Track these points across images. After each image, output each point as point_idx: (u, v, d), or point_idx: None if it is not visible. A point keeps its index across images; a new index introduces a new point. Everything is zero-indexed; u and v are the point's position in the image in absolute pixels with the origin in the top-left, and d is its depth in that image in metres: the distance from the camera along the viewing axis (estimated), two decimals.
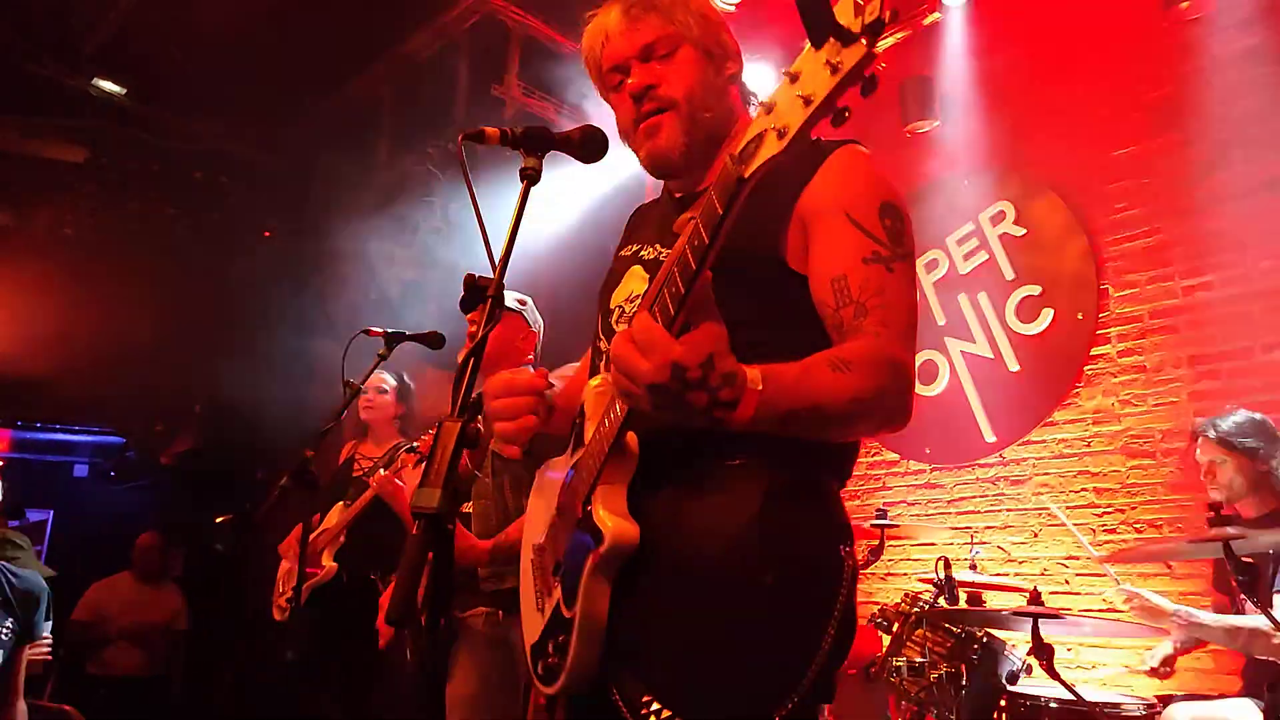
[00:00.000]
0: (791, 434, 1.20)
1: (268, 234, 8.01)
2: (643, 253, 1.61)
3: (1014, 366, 4.62)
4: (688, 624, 1.29)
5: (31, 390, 7.56)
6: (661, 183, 1.70)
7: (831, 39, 0.93)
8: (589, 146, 1.53)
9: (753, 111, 1.58)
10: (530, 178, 1.48)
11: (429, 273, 6.16)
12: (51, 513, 7.95)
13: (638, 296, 1.54)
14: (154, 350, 7.18)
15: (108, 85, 7.23)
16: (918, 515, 4.90)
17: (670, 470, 1.36)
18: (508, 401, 1.50)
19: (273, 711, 4.70)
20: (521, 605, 1.60)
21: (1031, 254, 4.65)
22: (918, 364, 4.93)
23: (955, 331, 4.87)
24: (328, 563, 3.87)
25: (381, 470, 3.58)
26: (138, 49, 6.60)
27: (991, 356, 4.71)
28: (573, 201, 5.66)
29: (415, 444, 3.51)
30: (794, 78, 0.98)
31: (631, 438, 1.34)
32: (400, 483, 3.58)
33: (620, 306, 1.58)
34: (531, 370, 1.58)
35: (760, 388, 1.11)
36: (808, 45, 0.97)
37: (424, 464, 3.52)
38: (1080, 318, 4.42)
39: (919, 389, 4.91)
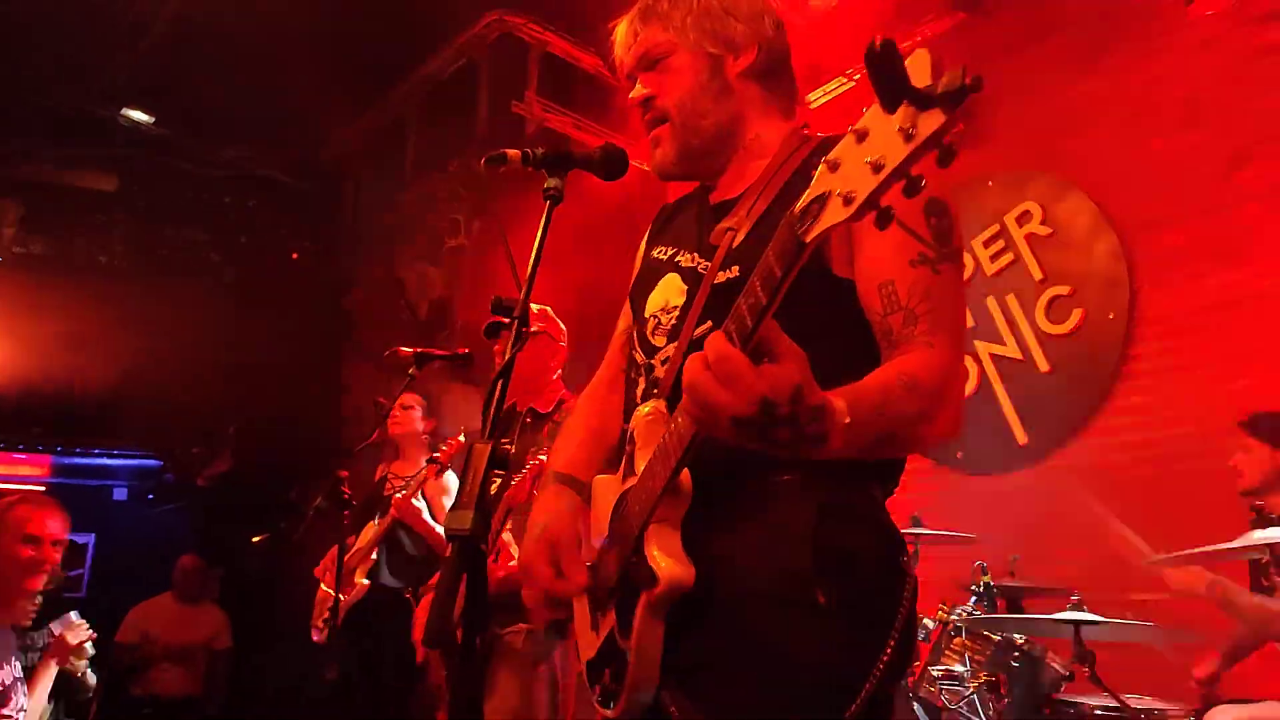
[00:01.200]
0: (867, 457, 1.20)
1: (296, 256, 8.12)
2: (679, 259, 1.58)
3: (1045, 368, 4.56)
4: (745, 645, 1.30)
5: (71, 416, 7.71)
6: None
7: (906, 103, 0.86)
8: (610, 165, 1.54)
9: (782, 105, 1.58)
10: (553, 198, 1.49)
11: (457, 290, 6.21)
12: (93, 536, 8.07)
13: (675, 307, 1.52)
14: (189, 373, 7.29)
15: (137, 115, 7.38)
16: (951, 520, 4.84)
17: (721, 490, 1.35)
18: (548, 604, 1.52)
19: None
20: (575, 615, 1.61)
21: (1060, 254, 4.59)
22: None
23: (984, 334, 4.81)
24: (360, 581, 3.91)
25: (401, 493, 3.63)
26: (166, 78, 6.73)
27: (1021, 358, 4.65)
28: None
29: (436, 455, 3.55)
30: (861, 136, 0.93)
31: (686, 476, 1.33)
32: (418, 503, 3.62)
33: (656, 317, 1.56)
34: (571, 539, 1.56)
35: (847, 421, 1.08)
36: (877, 104, 0.90)
37: (443, 471, 3.57)
38: (1112, 317, 4.35)
39: None
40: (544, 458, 2.79)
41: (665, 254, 1.63)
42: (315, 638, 3.86)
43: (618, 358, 1.77)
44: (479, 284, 6.02)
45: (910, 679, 3.34)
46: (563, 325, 3.17)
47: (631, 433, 1.48)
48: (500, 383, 1.33)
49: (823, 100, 5.68)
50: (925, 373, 1.22)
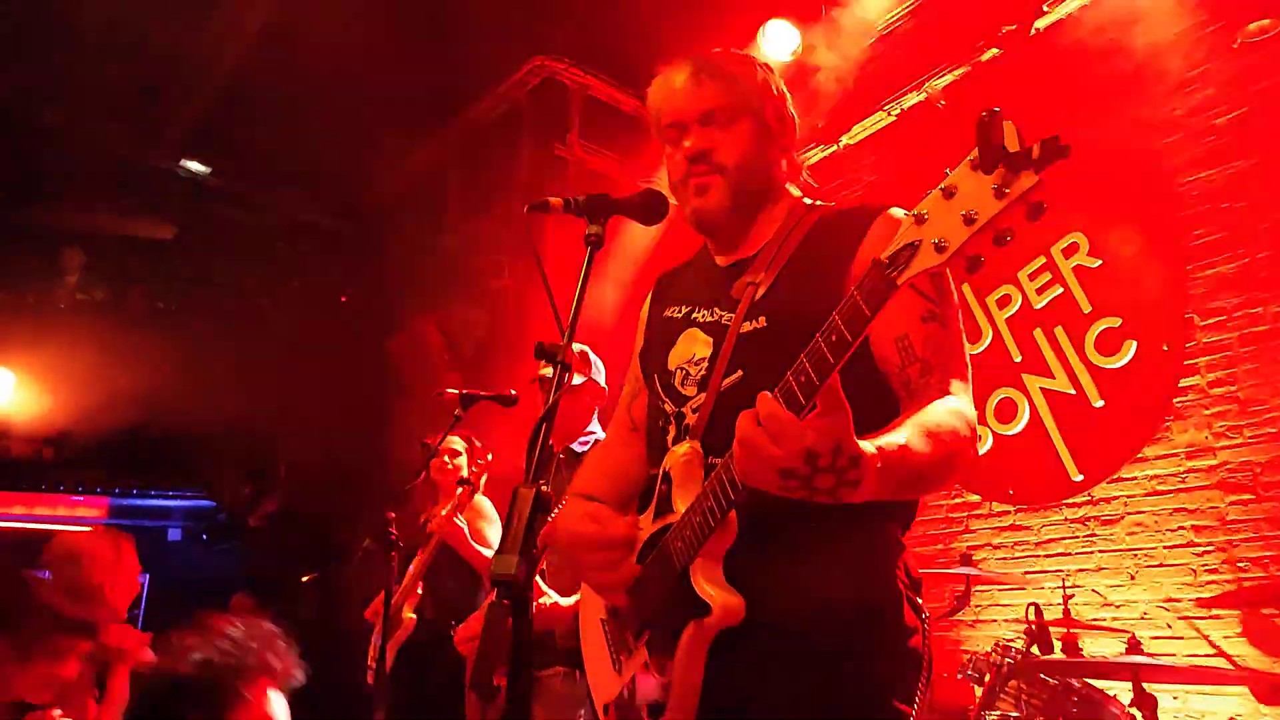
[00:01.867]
0: (892, 499, 1.28)
1: (344, 299, 8.30)
2: (696, 315, 1.67)
3: (1098, 402, 4.47)
4: (784, 683, 1.38)
5: (127, 458, 7.92)
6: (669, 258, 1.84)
7: (1002, 166, 1.00)
8: (650, 210, 1.60)
9: (791, 185, 1.68)
10: (594, 244, 1.53)
11: (500, 330, 6.28)
12: (148, 576, 8.25)
13: (701, 360, 1.60)
14: (241, 416, 7.46)
15: (194, 165, 7.65)
16: (1004, 559, 4.74)
17: (760, 535, 1.42)
18: (602, 556, 1.56)
19: None
20: (586, 661, 1.64)
21: (1109, 285, 4.52)
22: (995, 402, 4.82)
23: (1033, 368, 4.74)
24: (407, 616, 3.93)
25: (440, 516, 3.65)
26: (221, 129, 6.98)
27: (1073, 392, 4.56)
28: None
29: (468, 476, 3.58)
30: (949, 193, 1.05)
31: (732, 515, 1.40)
32: (459, 521, 3.64)
33: (683, 369, 1.64)
34: (605, 507, 1.63)
35: (879, 466, 1.17)
36: (965, 163, 1.04)
37: (475, 492, 3.57)
38: (1166, 349, 4.26)
39: (998, 428, 4.79)
40: None
41: (679, 312, 1.71)
42: (368, 679, 3.88)
43: (625, 419, 1.85)
44: (522, 324, 6.09)
45: (970, 716, 3.25)
46: (601, 365, 3.20)
47: (666, 472, 1.53)
48: (544, 426, 1.35)
49: (862, 135, 5.70)
50: (943, 419, 1.33)
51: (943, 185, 1.06)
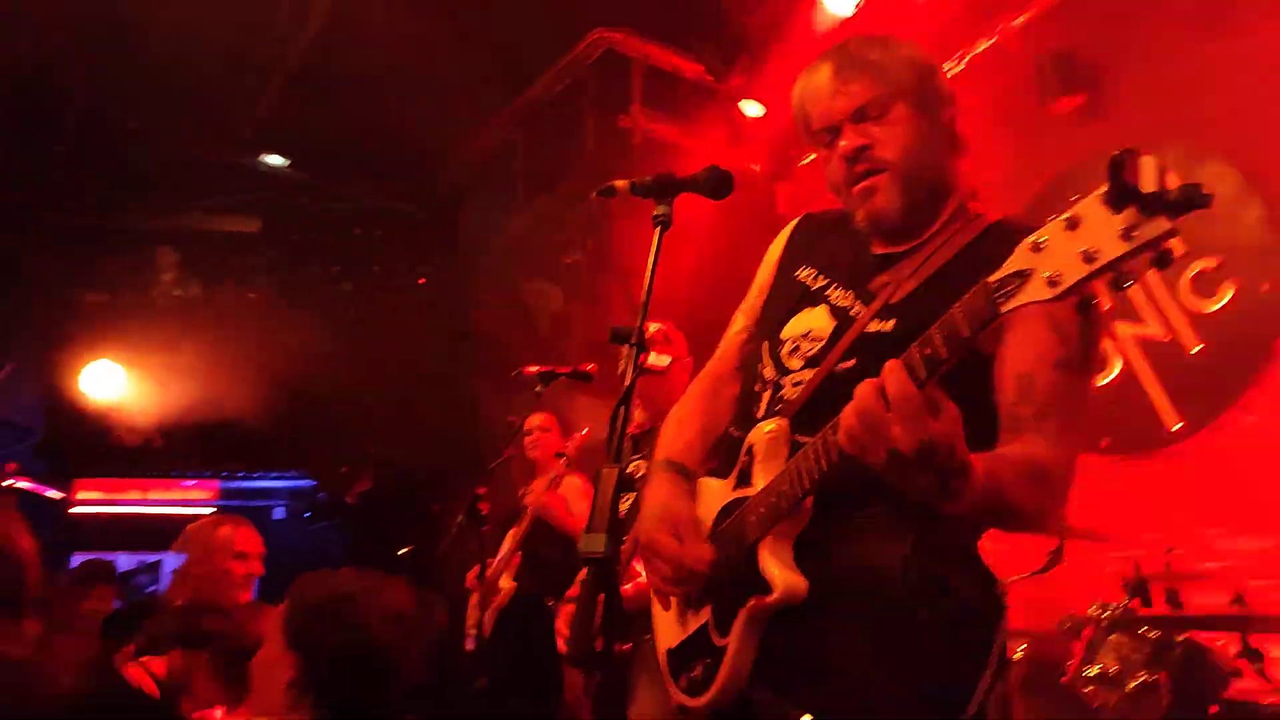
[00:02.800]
0: (972, 520, 1.30)
1: (422, 280, 8.49)
2: (830, 293, 1.60)
3: (1194, 347, 4.29)
4: (843, 660, 1.37)
5: (232, 443, 8.31)
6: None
7: (1134, 207, 0.93)
8: (716, 186, 1.58)
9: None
10: (662, 223, 1.54)
11: (575, 304, 6.36)
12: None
13: (819, 339, 1.56)
14: (332, 398, 7.74)
15: (274, 159, 7.90)
16: (1100, 512, 4.62)
17: (831, 516, 1.42)
18: (672, 575, 1.55)
19: None
20: (654, 609, 1.67)
21: (1203, 225, 4.30)
22: None
23: (1124, 314, 4.57)
24: (506, 584, 4.06)
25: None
26: (294, 122, 7.17)
27: (1167, 338, 4.39)
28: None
29: (564, 450, 3.66)
30: (1073, 224, 0.99)
31: (808, 500, 1.40)
32: (556, 492, 3.73)
33: (795, 341, 1.59)
34: (689, 517, 1.61)
35: (979, 487, 1.15)
36: (1094, 197, 0.97)
37: (572, 468, 3.66)
38: (1267, 289, 4.06)
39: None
40: None
41: (814, 280, 1.65)
42: (468, 646, 4.04)
43: (733, 356, 1.79)
44: (597, 297, 6.15)
45: (1063, 679, 3.21)
46: (684, 343, 3.21)
47: (750, 445, 1.53)
48: (623, 408, 1.38)
49: None
50: (1053, 470, 1.30)
51: (1067, 215, 0.99)
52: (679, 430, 1.79)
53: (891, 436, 1.08)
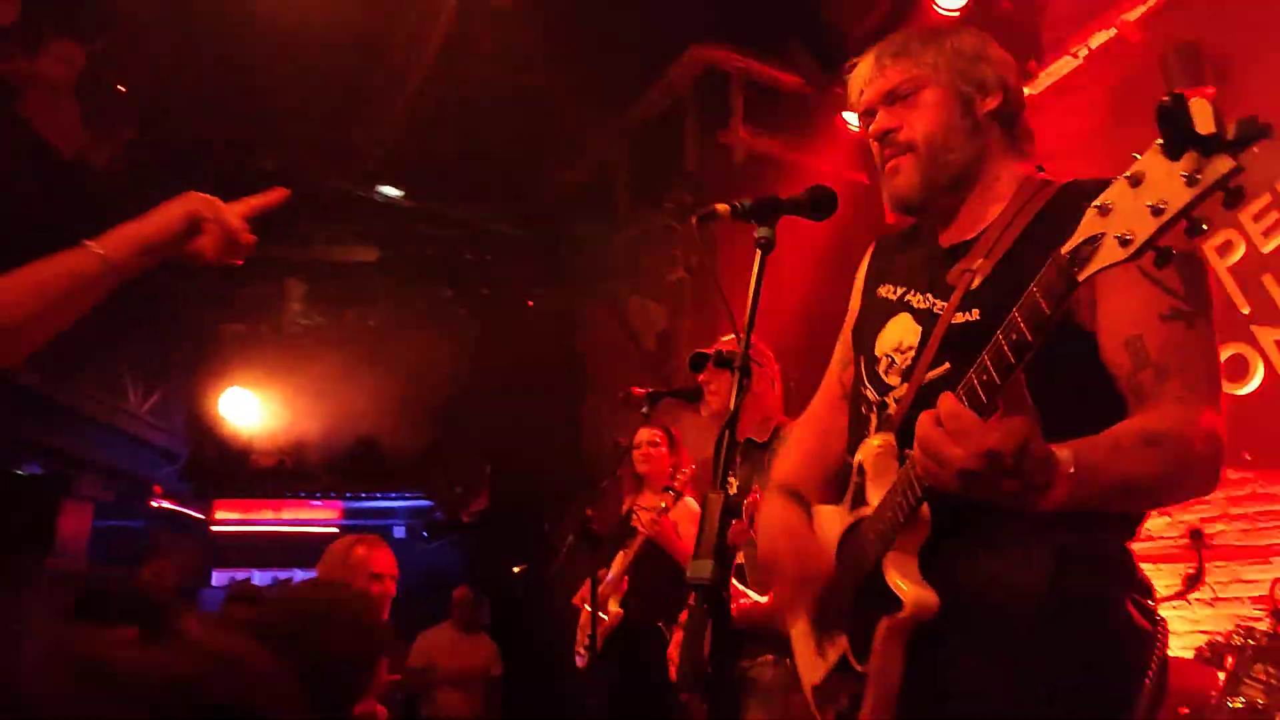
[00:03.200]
0: (1102, 509, 1.22)
1: (530, 303, 8.69)
2: (909, 299, 1.60)
3: None
4: (988, 683, 1.31)
5: (356, 465, 8.70)
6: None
7: (1192, 150, 0.92)
8: (819, 206, 1.57)
9: (1016, 151, 1.57)
10: (764, 247, 1.54)
11: (680, 321, 6.38)
12: None
13: (909, 348, 1.54)
14: (447, 419, 8.01)
15: (389, 190, 8.26)
16: (1245, 530, 4.32)
17: (960, 530, 1.37)
18: (797, 588, 1.58)
19: None
20: (794, 640, 1.64)
21: None
22: (1222, 360, 4.39)
23: (1264, 318, 4.27)
24: (614, 609, 4.09)
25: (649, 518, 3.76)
26: (406, 152, 7.48)
27: None
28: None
29: (671, 484, 3.65)
30: (1135, 181, 0.98)
31: (925, 509, 1.36)
32: (669, 518, 3.73)
33: (889, 356, 1.58)
34: (806, 528, 1.63)
35: (1073, 470, 1.10)
36: (1153, 150, 0.96)
37: (680, 498, 3.67)
38: None
39: (1229, 388, 4.35)
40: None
41: (894, 293, 1.64)
42: (579, 664, 4.08)
43: (835, 387, 1.80)
44: (702, 314, 6.15)
45: (1207, 712, 3.01)
46: (769, 353, 3.21)
47: (860, 464, 1.51)
48: (728, 432, 1.39)
49: (1046, 84, 5.33)
50: (1171, 428, 1.20)
51: (1128, 173, 0.98)
52: (788, 457, 1.81)
53: (954, 458, 1.07)
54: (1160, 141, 0.94)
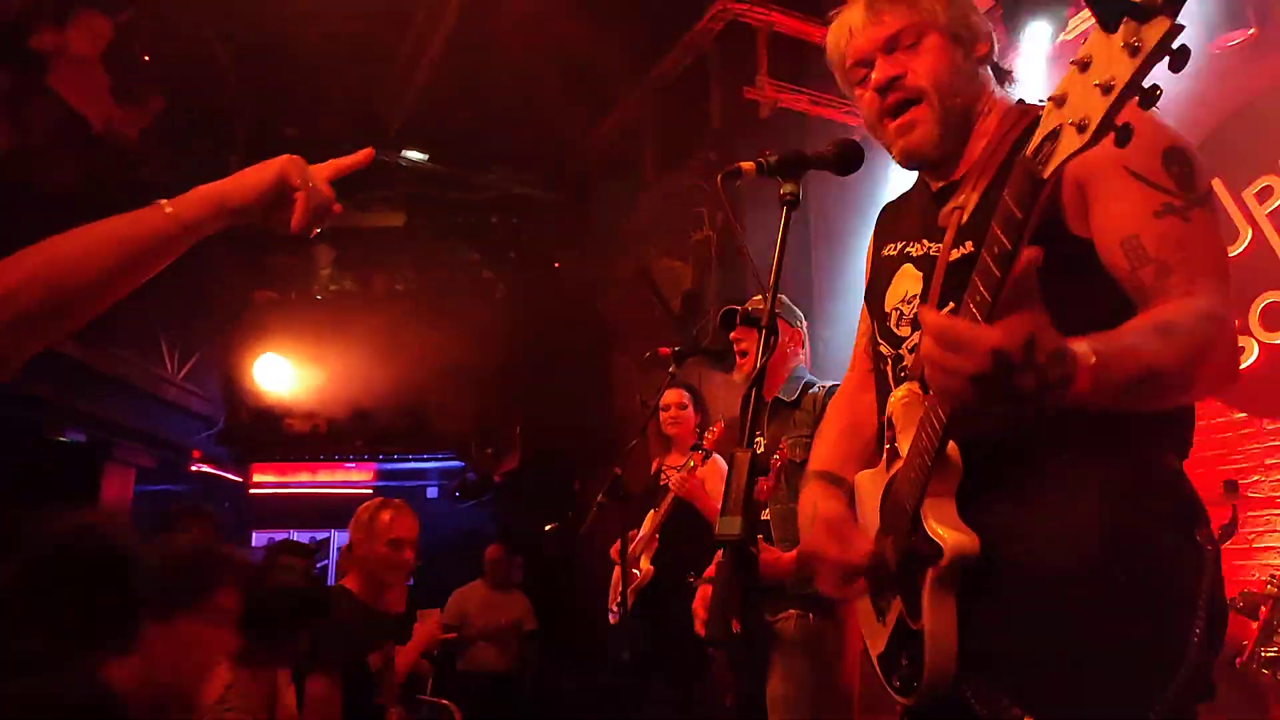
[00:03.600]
0: (1127, 406, 1.16)
1: (557, 265, 8.70)
2: (909, 249, 1.60)
3: None
4: (1042, 629, 1.28)
5: (388, 428, 8.82)
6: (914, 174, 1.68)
7: (1127, 19, 0.90)
8: (845, 160, 1.54)
9: (1000, 92, 1.56)
10: (790, 203, 1.52)
11: (707, 281, 6.37)
12: None
13: (914, 296, 1.54)
14: (476, 381, 8.08)
15: (414, 154, 8.26)
16: (1279, 480, 4.27)
17: (997, 473, 1.34)
18: (840, 576, 1.54)
19: (612, 705, 5.11)
20: (860, 621, 1.63)
21: None
22: (1259, 309, 4.31)
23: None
24: (645, 566, 4.15)
25: (678, 476, 3.79)
26: (432, 117, 7.47)
27: None
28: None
29: (701, 443, 3.67)
30: (1084, 65, 0.95)
31: (953, 448, 1.33)
32: (698, 478, 3.76)
33: (898, 309, 1.58)
34: (848, 516, 1.60)
35: (1093, 361, 1.06)
36: (1094, 30, 0.94)
37: (709, 457, 3.69)
38: None
39: (1266, 337, 4.28)
40: (787, 446, 2.84)
41: (895, 249, 1.64)
42: (611, 619, 4.15)
43: (863, 360, 1.79)
44: (728, 274, 6.13)
45: (1239, 660, 3.01)
46: (799, 311, 3.19)
47: (889, 419, 1.50)
48: (755, 390, 1.39)
49: (1081, 29, 5.19)
50: (1182, 317, 1.17)
51: (1076, 58, 0.95)
52: (822, 442, 1.80)
53: (961, 366, 1.03)
54: (1094, 21, 0.92)
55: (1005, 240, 1.06)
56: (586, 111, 7.54)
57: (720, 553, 1.28)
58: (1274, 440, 4.36)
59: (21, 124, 4.80)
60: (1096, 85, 0.93)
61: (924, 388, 1.43)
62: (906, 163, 1.58)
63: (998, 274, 1.07)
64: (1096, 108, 0.94)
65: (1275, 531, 4.28)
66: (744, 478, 1.28)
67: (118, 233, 1.24)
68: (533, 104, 7.08)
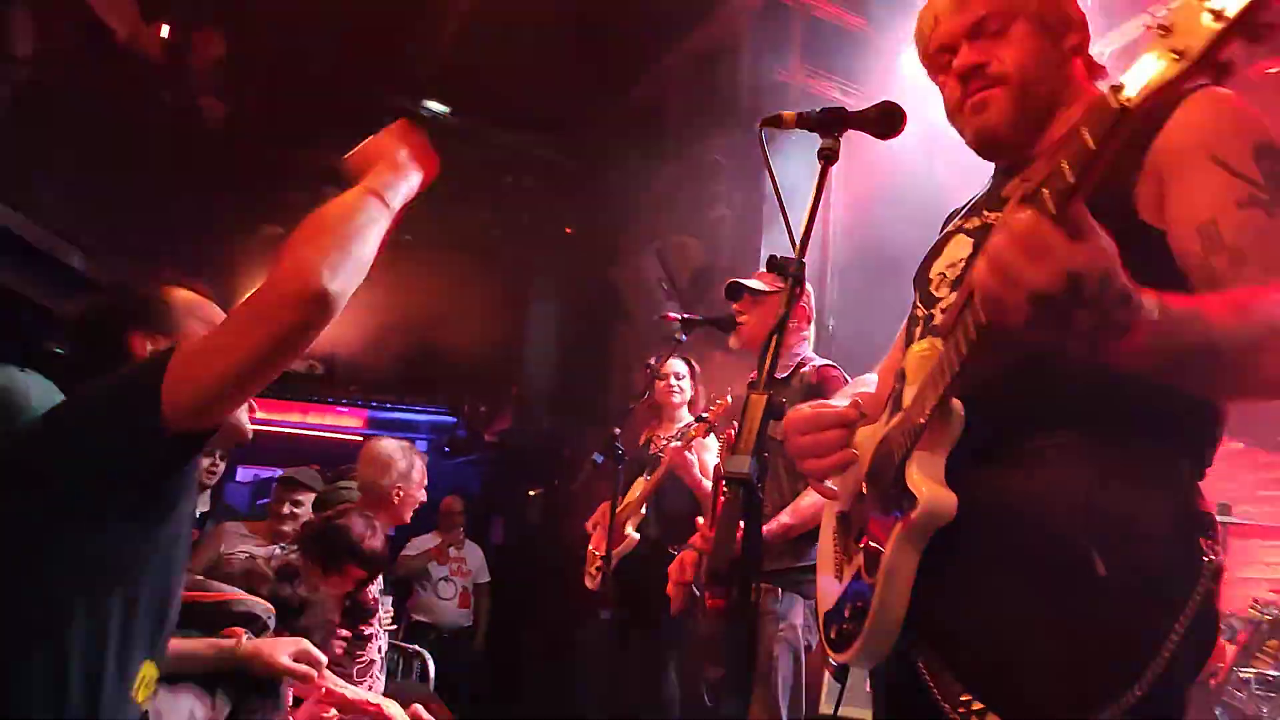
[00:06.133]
0: (1174, 380, 1.09)
1: (569, 230, 8.65)
2: (965, 224, 1.55)
3: None
4: (1008, 611, 1.22)
5: (381, 376, 8.79)
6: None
7: None
8: (886, 122, 1.51)
9: (1090, 85, 1.49)
10: (828, 158, 1.50)
11: (716, 259, 6.34)
12: None
13: (960, 260, 1.49)
14: (477, 338, 8.06)
15: (435, 106, 8.19)
16: (1270, 511, 4.28)
17: (992, 441, 1.29)
18: (816, 438, 1.44)
19: (580, 666, 5.15)
20: (819, 577, 1.60)
21: None
22: None
23: None
24: (631, 534, 4.15)
25: (674, 444, 3.78)
26: (456, 70, 7.40)
27: None
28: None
29: (705, 414, 3.65)
30: None
31: (957, 404, 1.28)
32: (690, 456, 3.76)
33: (942, 273, 1.53)
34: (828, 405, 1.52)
35: (1156, 317, 0.98)
36: None
37: (712, 431, 3.68)
38: None
39: None
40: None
41: (953, 228, 1.60)
42: (588, 584, 4.16)
43: (901, 342, 1.74)
44: (739, 254, 6.10)
45: (1214, 680, 3.02)
46: (808, 286, 3.18)
47: (901, 370, 1.45)
48: (775, 337, 1.37)
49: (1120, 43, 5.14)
50: (1261, 303, 1.07)
51: None
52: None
53: (1027, 278, 0.93)
54: None
55: (1070, 174, 0.95)
56: (612, 79, 7.47)
57: (724, 493, 1.26)
58: (1268, 472, 4.38)
59: (44, 23, 4.74)
60: (1208, 8, 0.85)
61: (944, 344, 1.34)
62: (979, 145, 1.52)
63: (1052, 209, 0.96)
64: (1200, 35, 0.85)
65: (1259, 563, 4.30)
66: (758, 420, 1.26)
67: (365, 231, 1.54)
68: (559, 67, 7.00)
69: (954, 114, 1.54)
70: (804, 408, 1.49)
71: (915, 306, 1.60)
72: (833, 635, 1.46)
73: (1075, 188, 0.95)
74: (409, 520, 3.62)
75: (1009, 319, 0.99)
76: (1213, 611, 1.22)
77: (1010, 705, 1.18)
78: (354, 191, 1.51)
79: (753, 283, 3.24)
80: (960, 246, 1.52)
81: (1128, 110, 0.92)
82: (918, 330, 1.55)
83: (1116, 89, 0.93)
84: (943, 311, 1.47)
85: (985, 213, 1.51)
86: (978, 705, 1.20)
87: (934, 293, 1.54)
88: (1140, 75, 0.91)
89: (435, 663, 4.64)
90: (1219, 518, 3.37)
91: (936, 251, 1.60)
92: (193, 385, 1.38)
